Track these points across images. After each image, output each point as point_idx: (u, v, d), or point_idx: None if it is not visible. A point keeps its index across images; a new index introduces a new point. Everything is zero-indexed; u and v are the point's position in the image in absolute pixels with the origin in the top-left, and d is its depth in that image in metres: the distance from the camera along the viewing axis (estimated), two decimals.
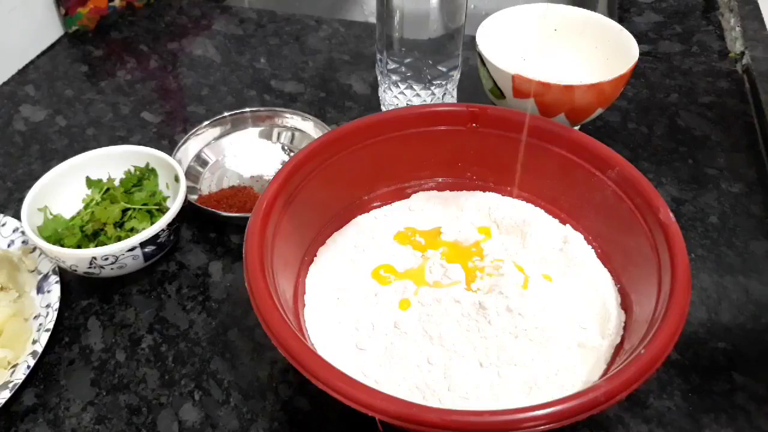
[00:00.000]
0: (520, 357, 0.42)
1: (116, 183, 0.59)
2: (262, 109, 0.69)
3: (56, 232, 0.54)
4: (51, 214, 0.56)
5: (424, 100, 0.65)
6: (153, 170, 0.60)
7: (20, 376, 0.46)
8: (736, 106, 0.72)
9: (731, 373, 0.48)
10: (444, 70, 0.63)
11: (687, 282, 0.40)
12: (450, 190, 0.56)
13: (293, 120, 0.69)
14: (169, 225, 0.53)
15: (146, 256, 0.53)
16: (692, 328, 0.51)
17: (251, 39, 0.85)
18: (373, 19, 0.85)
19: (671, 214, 0.43)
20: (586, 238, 0.51)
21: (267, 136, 0.69)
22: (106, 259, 0.51)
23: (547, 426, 0.33)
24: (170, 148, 0.67)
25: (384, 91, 0.67)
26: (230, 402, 0.47)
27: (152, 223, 0.54)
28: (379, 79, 0.68)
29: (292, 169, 0.47)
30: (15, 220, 0.57)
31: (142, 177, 0.59)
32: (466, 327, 0.44)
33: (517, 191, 0.54)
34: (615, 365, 0.41)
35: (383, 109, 0.69)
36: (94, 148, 0.60)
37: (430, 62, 0.62)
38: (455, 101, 0.68)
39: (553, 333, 0.44)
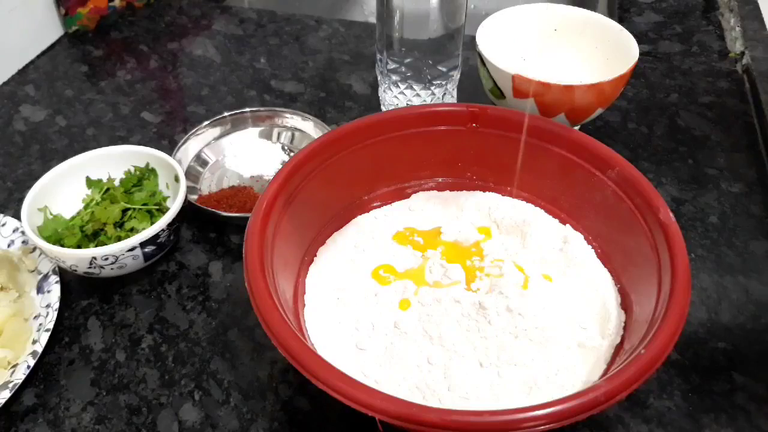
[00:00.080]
0: (520, 357, 0.42)
1: (116, 183, 0.59)
2: (262, 109, 0.69)
3: (56, 232, 0.54)
4: (51, 214, 0.56)
5: (424, 100, 0.65)
6: (153, 170, 0.60)
7: (20, 376, 0.46)
8: (736, 106, 0.72)
9: (731, 373, 0.48)
10: (444, 70, 0.63)
11: (687, 282, 0.40)
12: (450, 190, 0.56)
13: (293, 120, 0.69)
14: (169, 225, 0.53)
15: (146, 256, 0.53)
16: (692, 328, 0.51)
17: (251, 39, 0.85)
18: (373, 19, 0.85)
19: (671, 214, 0.43)
20: (586, 238, 0.51)
21: (267, 136, 0.69)
22: (106, 259, 0.51)
23: (547, 426, 0.33)
24: (170, 148, 0.67)
25: (384, 91, 0.67)
26: (230, 402, 0.47)
27: (152, 223, 0.54)
28: (379, 79, 0.68)
29: (292, 169, 0.47)
30: (15, 220, 0.57)
31: (142, 177, 0.59)
32: (466, 327, 0.44)
33: (517, 191, 0.54)
34: (615, 365, 0.41)
35: (383, 109, 0.69)
36: (94, 148, 0.60)
37: (430, 62, 0.62)
38: (455, 101, 0.68)
39: (553, 333, 0.44)
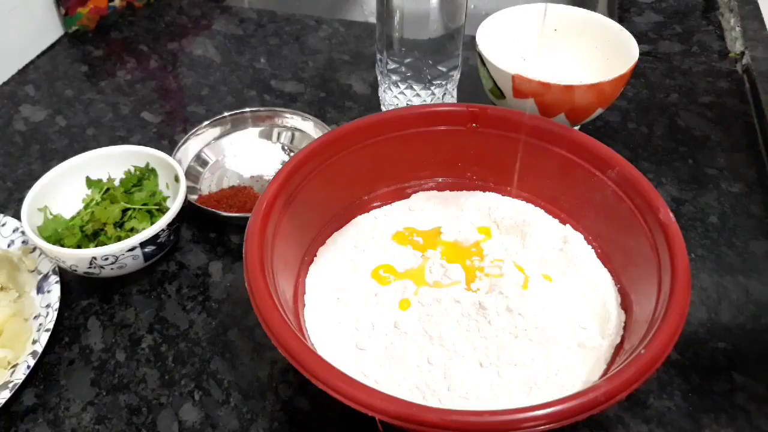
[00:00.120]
0: (520, 357, 0.42)
1: (116, 183, 0.59)
2: (262, 109, 0.69)
3: (56, 232, 0.54)
4: (51, 214, 0.56)
5: (424, 100, 0.65)
6: (153, 170, 0.60)
7: (20, 376, 0.46)
8: (736, 106, 0.72)
9: (731, 373, 0.48)
10: (444, 70, 0.63)
11: (687, 282, 0.40)
12: (450, 190, 0.56)
13: (293, 120, 0.69)
14: (169, 225, 0.53)
15: (146, 256, 0.53)
16: (692, 328, 0.51)
17: (251, 39, 0.85)
18: (373, 19, 0.85)
19: (671, 214, 0.43)
20: (586, 238, 0.51)
21: (267, 136, 0.69)
22: (106, 259, 0.51)
23: (547, 426, 0.33)
24: (170, 148, 0.67)
25: (384, 91, 0.67)
26: (230, 402, 0.47)
27: (152, 223, 0.54)
28: (379, 79, 0.68)
29: (292, 169, 0.47)
30: (15, 220, 0.57)
31: (142, 177, 0.59)
32: (466, 327, 0.44)
33: (517, 191, 0.54)
34: (615, 365, 0.41)
35: (383, 109, 0.69)
36: (94, 148, 0.60)
37: (430, 62, 0.62)
38: (455, 101, 0.68)
39: (553, 333, 0.44)
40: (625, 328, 0.44)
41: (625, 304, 0.46)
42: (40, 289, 0.53)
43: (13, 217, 0.58)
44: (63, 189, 0.57)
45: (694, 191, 0.63)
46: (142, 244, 0.52)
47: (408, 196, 0.56)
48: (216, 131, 0.68)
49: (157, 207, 0.57)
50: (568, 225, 0.52)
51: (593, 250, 0.50)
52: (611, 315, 0.45)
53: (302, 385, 0.48)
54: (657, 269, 0.42)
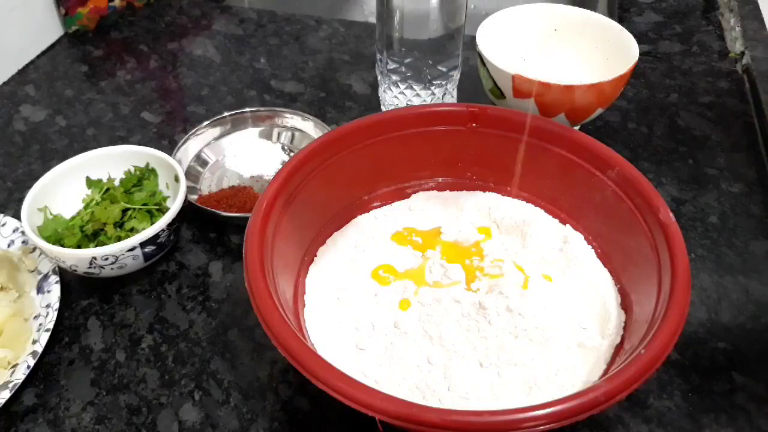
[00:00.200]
0: (520, 357, 0.42)
1: (116, 183, 0.59)
2: (262, 109, 0.69)
3: (56, 232, 0.54)
4: (51, 214, 0.56)
5: (424, 100, 0.65)
6: (153, 170, 0.60)
7: (20, 376, 0.46)
8: (736, 106, 0.72)
9: (731, 373, 0.48)
10: (444, 70, 0.63)
11: (687, 282, 0.40)
12: (450, 190, 0.56)
13: (293, 120, 0.69)
14: (169, 225, 0.53)
15: (146, 256, 0.53)
16: (692, 328, 0.51)
17: (251, 39, 0.85)
18: (373, 19, 0.85)
19: (671, 214, 0.43)
20: (586, 238, 0.51)
21: (267, 136, 0.69)
22: (106, 259, 0.51)
23: (547, 426, 0.33)
24: (170, 148, 0.67)
25: (384, 91, 0.67)
26: (230, 402, 0.47)
27: (152, 223, 0.54)
28: (379, 79, 0.68)
29: (292, 169, 0.47)
30: (15, 220, 0.57)
31: (142, 177, 0.59)
32: (466, 327, 0.44)
33: (517, 191, 0.54)
34: (615, 365, 0.41)
35: (383, 109, 0.69)
36: (94, 148, 0.60)
37: (430, 62, 0.62)
38: (455, 101, 0.68)
39: (553, 333, 0.44)
40: (625, 328, 0.44)
41: (625, 304, 0.46)
42: (40, 289, 0.53)
43: (13, 217, 0.58)
44: (63, 189, 0.57)
45: (694, 191, 0.63)
46: (142, 244, 0.52)
47: (408, 196, 0.56)
48: (216, 131, 0.68)
49: (157, 207, 0.57)
50: (568, 225, 0.52)
51: (593, 250, 0.50)
52: (611, 315, 0.45)
53: (302, 385, 0.48)
54: (657, 269, 0.42)
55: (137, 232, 0.54)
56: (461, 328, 0.44)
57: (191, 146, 0.66)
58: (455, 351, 0.43)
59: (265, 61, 0.81)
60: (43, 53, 0.83)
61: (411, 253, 0.51)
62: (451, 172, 0.55)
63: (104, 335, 0.52)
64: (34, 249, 0.55)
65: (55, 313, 0.50)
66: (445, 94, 0.66)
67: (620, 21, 0.84)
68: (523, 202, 0.54)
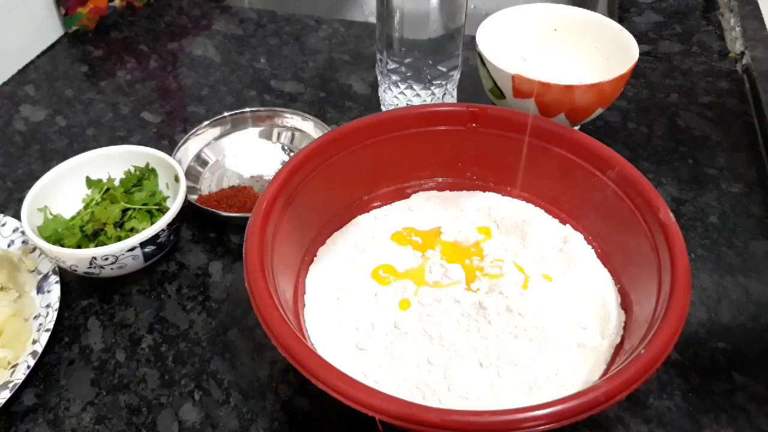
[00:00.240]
0: (520, 357, 0.42)
1: (116, 183, 0.59)
2: (262, 109, 0.69)
3: (56, 232, 0.54)
4: (51, 214, 0.56)
5: (424, 100, 0.65)
6: (153, 170, 0.60)
7: (20, 376, 0.46)
8: (736, 106, 0.72)
9: (731, 373, 0.48)
10: (444, 70, 0.63)
11: (687, 282, 0.40)
12: (450, 190, 0.56)
13: (293, 120, 0.69)
14: (169, 225, 0.53)
15: (146, 256, 0.53)
16: (692, 328, 0.51)
17: (251, 39, 0.85)
18: (373, 19, 0.85)
19: (671, 214, 0.43)
20: (586, 238, 0.51)
21: (267, 136, 0.69)
22: (106, 259, 0.51)
23: (547, 426, 0.33)
24: (170, 148, 0.67)
25: (384, 91, 0.67)
26: (230, 402, 0.47)
27: (152, 223, 0.54)
28: (379, 79, 0.68)
29: (292, 169, 0.47)
30: (15, 220, 0.57)
31: (142, 177, 0.59)
32: (466, 327, 0.44)
33: (517, 191, 0.54)
34: (615, 365, 0.41)
35: (383, 109, 0.69)
36: (94, 148, 0.60)
37: (430, 62, 0.62)
38: (455, 101, 0.68)
39: (553, 333, 0.44)
40: (625, 328, 0.44)
41: (625, 304, 0.46)
42: (40, 289, 0.53)
43: (13, 217, 0.58)
44: (63, 189, 0.57)
45: (694, 191, 0.63)
46: (142, 244, 0.52)
47: (408, 196, 0.56)
48: (216, 131, 0.68)
49: (157, 207, 0.57)
50: (568, 225, 0.52)
51: (593, 250, 0.50)
52: (611, 315, 0.45)
53: (302, 385, 0.48)
54: (657, 269, 0.42)
55: (137, 232, 0.54)
56: (461, 328, 0.44)
57: (191, 146, 0.66)
58: (455, 351, 0.43)
59: (265, 61, 0.81)
60: (43, 53, 0.83)
61: (411, 253, 0.51)
62: (451, 172, 0.55)
63: (104, 335, 0.52)
64: (34, 249, 0.55)
65: (55, 313, 0.50)
66: (445, 94, 0.66)
67: (620, 21, 0.84)
68: (523, 202, 0.54)
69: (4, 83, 0.78)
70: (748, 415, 0.46)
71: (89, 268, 0.51)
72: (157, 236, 0.52)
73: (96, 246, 0.53)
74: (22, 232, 0.56)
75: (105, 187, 0.58)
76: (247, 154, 0.67)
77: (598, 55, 0.65)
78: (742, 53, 0.78)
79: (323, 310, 0.47)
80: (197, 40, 0.85)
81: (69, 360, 0.50)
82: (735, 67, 0.78)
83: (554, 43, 0.68)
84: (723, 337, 0.50)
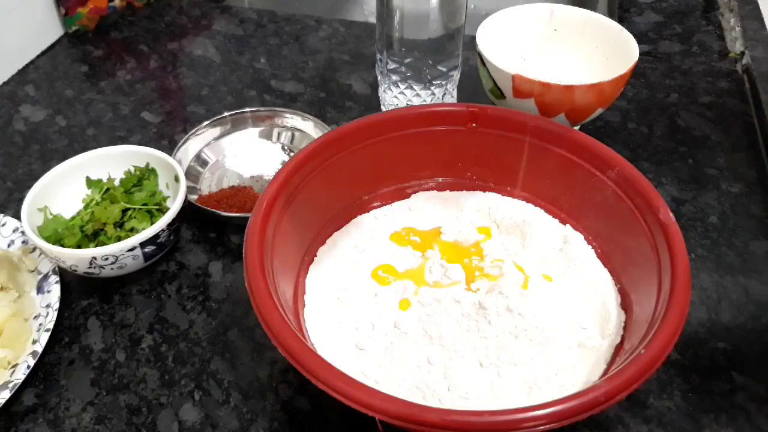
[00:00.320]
0: (520, 357, 0.42)
1: (116, 183, 0.59)
2: (262, 109, 0.69)
3: (56, 232, 0.54)
4: (51, 214, 0.56)
5: (424, 100, 0.65)
6: (153, 170, 0.60)
7: (20, 376, 0.46)
8: (736, 106, 0.72)
9: (731, 373, 0.48)
10: (444, 70, 0.63)
11: (687, 282, 0.40)
12: (450, 190, 0.56)
13: (293, 120, 0.69)
14: (169, 225, 0.53)
15: (146, 256, 0.53)
16: (692, 328, 0.51)
17: (251, 39, 0.85)
18: (373, 19, 0.85)
19: (671, 214, 0.43)
20: (586, 238, 0.51)
21: (267, 136, 0.69)
22: (106, 259, 0.51)
23: (547, 426, 0.33)
24: (170, 148, 0.67)
25: (384, 91, 0.67)
26: (230, 402, 0.47)
27: (152, 223, 0.54)
28: (379, 79, 0.68)
29: (292, 169, 0.47)
30: (15, 220, 0.57)
31: (142, 177, 0.59)
32: (466, 327, 0.44)
33: (517, 191, 0.54)
34: (615, 365, 0.41)
35: (383, 109, 0.69)
36: (94, 148, 0.60)
37: (430, 62, 0.62)
38: (455, 101, 0.68)
39: (553, 333, 0.44)
40: (625, 328, 0.44)
41: (625, 304, 0.46)
42: (40, 289, 0.53)
43: (13, 217, 0.58)
44: (63, 189, 0.57)
45: (694, 191, 0.63)
46: (142, 244, 0.52)
47: (408, 196, 0.56)
48: (216, 131, 0.68)
49: (157, 207, 0.57)
50: (568, 225, 0.52)
51: (593, 250, 0.50)
52: (611, 315, 0.45)
53: (302, 385, 0.48)
54: (657, 269, 0.42)
55: (137, 232, 0.54)
56: (461, 328, 0.44)
57: (191, 146, 0.66)
58: (455, 351, 0.43)
59: (265, 61, 0.81)
60: (43, 53, 0.83)
61: (411, 253, 0.51)
62: (451, 172, 0.55)
63: (104, 335, 0.52)
64: (34, 249, 0.55)
65: (55, 313, 0.50)
66: (445, 94, 0.66)
67: (620, 21, 0.84)
68: (523, 202, 0.54)
69: (4, 83, 0.78)
70: (748, 415, 0.46)
71: (89, 268, 0.51)
72: (157, 236, 0.52)
73: (96, 246, 0.53)
74: (22, 232, 0.56)
75: (105, 187, 0.58)
76: (247, 154, 0.67)
77: (598, 55, 0.65)
78: (742, 53, 0.78)
79: (323, 310, 0.47)
80: (197, 40, 0.85)
81: (69, 360, 0.50)
82: (735, 67, 0.78)
83: (554, 43, 0.68)
84: (723, 337, 0.50)
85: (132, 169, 0.59)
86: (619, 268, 0.48)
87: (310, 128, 0.68)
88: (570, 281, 0.48)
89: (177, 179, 0.57)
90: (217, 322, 0.53)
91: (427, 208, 0.55)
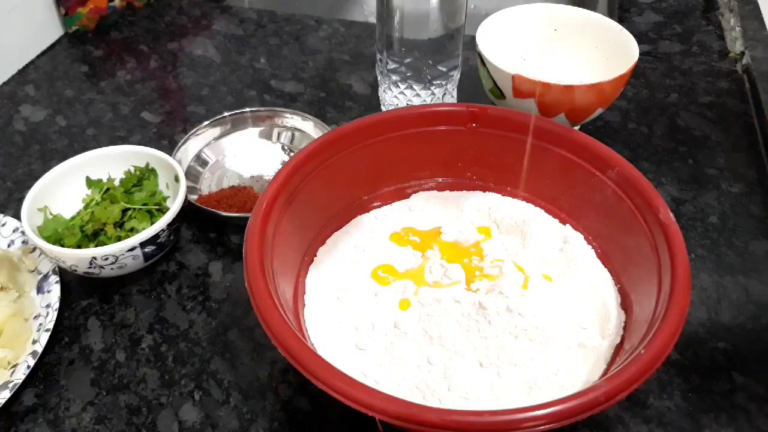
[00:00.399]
0: (520, 357, 0.42)
1: (116, 183, 0.59)
2: (262, 109, 0.69)
3: (56, 232, 0.54)
4: (51, 214, 0.56)
5: (424, 100, 0.65)
6: (153, 170, 0.60)
7: (20, 376, 0.46)
8: (736, 106, 0.72)
9: (731, 373, 0.48)
10: (444, 70, 0.63)
11: (687, 282, 0.40)
12: (450, 190, 0.56)
13: (293, 120, 0.69)
14: (169, 225, 0.53)
15: (146, 256, 0.53)
16: (692, 328, 0.51)
17: (251, 39, 0.85)
18: (373, 19, 0.85)
19: (671, 214, 0.43)
20: (586, 238, 0.51)
21: (267, 136, 0.69)
22: (106, 259, 0.51)
23: (547, 426, 0.33)
24: (170, 148, 0.67)
25: (384, 91, 0.67)
26: (230, 402, 0.47)
27: (152, 223, 0.54)
28: (379, 79, 0.68)
29: (292, 169, 0.47)
30: (15, 220, 0.57)
31: (142, 177, 0.59)
32: (466, 327, 0.44)
33: (517, 191, 0.54)
34: (615, 365, 0.41)
35: (383, 109, 0.69)
36: (94, 148, 0.60)
37: (430, 62, 0.62)
38: (455, 101, 0.68)
39: (553, 333, 0.44)
40: (625, 328, 0.44)
41: (625, 304, 0.46)
42: (40, 289, 0.53)
43: (13, 217, 0.58)
44: (63, 189, 0.57)
45: (694, 191, 0.63)
46: (142, 244, 0.52)
47: (408, 196, 0.56)
48: (216, 131, 0.68)
49: (157, 207, 0.57)
50: (568, 225, 0.52)
51: (593, 250, 0.50)
52: (611, 315, 0.45)
53: (302, 385, 0.48)
54: (657, 269, 0.42)
55: (137, 232, 0.54)
56: (461, 328, 0.44)
57: (191, 146, 0.66)
58: (455, 351, 0.43)
59: (265, 61, 0.81)
60: (43, 53, 0.83)
61: (411, 253, 0.51)
62: (451, 172, 0.55)
63: (104, 335, 0.52)
64: (34, 249, 0.55)
65: (55, 313, 0.50)
66: (445, 94, 0.66)
67: (620, 21, 0.84)
68: (523, 202, 0.54)
69: (4, 83, 0.78)
70: (748, 415, 0.46)
71: (89, 268, 0.51)
72: (157, 236, 0.52)
73: (96, 246, 0.53)
74: (22, 232, 0.56)
75: (105, 187, 0.58)
76: (247, 154, 0.67)
77: (598, 55, 0.65)
78: (742, 53, 0.78)
79: (323, 310, 0.47)
80: (197, 40, 0.85)
81: (69, 360, 0.50)
82: (735, 67, 0.78)
83: (554, 43, 0.68)
84: (723, 337, 0.50)
85: (132, 169, 0.59)
86: (619, 268, 0.48)
87: (310, 128, 0.68)
88: (570, 281, 0.48)
89: (177, 179, 0.57)
90: (217, 322, 0.53)
91: (427, 208, 0.55)
